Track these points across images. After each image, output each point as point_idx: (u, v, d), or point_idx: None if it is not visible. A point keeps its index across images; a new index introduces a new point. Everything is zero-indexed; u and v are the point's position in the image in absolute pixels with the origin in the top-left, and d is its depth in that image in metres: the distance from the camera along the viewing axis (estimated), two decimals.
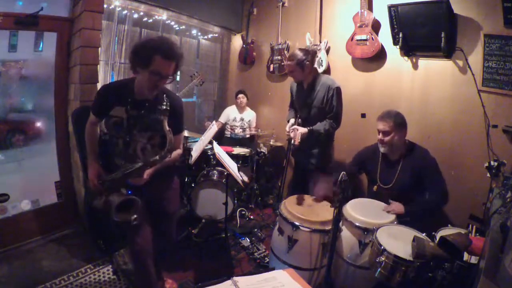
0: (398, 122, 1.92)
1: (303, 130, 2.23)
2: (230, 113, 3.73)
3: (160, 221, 1.71)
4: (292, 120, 2.45)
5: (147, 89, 1.45)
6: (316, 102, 2.31)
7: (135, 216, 1.44)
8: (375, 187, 2.10)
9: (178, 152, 1.65)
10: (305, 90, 2.38)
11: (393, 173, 2.00)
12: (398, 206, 1.85)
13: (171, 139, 1.42)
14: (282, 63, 3.50)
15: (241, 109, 3.71)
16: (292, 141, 2.23)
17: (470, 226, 1.75)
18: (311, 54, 2.30)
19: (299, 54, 2.24)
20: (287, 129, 2.37)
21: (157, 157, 1.42)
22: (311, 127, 2.27)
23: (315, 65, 3.13)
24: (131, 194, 1.49)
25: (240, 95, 3.65)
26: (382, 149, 2.01)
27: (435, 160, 1.96)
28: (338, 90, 2.28)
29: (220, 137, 3.67)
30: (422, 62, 2.55)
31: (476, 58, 2.23)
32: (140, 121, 1.50)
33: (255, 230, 2.78)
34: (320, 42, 3.16)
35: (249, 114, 3.75)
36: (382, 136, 1.96)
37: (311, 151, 2.40)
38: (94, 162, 1.57)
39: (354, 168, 2.23)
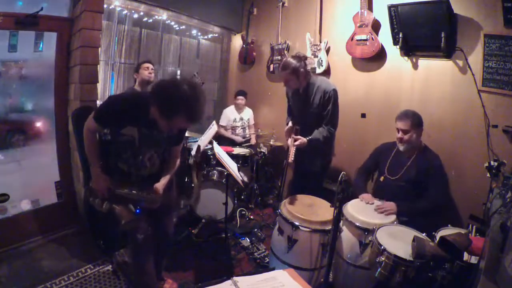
0: (416, 121, 2.00)
1: (303, 141, 2.15)
2: (230, 115, 3.75)
3: (160, 215, 1.72)
4: (290, 123, 2.42)
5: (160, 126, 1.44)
6: (314, 107, 2.25)
7: (142, 236, 1.50)
8: (382, 178, 2.15)
9: (178, 162, 1.70)
10: (301, 95, 2.31)
11: (402, 166, 2.07)
12: (390, 205, 1.91)
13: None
14: None
15: (239, 109, 3.74)
16: (286, 161, 2.21)
17: (470, 226, 1.76)
18: (303, 60, 2.22)
19: (293, 62, 2.16)
20: (285, 130, 2.34)
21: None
22: (310, 137, 2.19)
23: (315, 65, 3.14)
24: (139, 212, 1.51)
25: (240, 97, 3.68)
26: (401, 148, 2.06)
27: (443, 166, 2.04)
28: (333, 93, 2.21)
29: (218, 138, 3.67)
30: (422, 62, 2.55)
31: (476, 58, 2.23)
32: (152, 140, 1.51)
33: (255, 230, 2.77)
34: (320, 42, 3.15)
35: (247, 113, 3.81)
36: (401, 134, 2.02)
37: (310, 153, 2.38)
38: (101, 172, 1.50)
39: (372, 163, 2.28)
